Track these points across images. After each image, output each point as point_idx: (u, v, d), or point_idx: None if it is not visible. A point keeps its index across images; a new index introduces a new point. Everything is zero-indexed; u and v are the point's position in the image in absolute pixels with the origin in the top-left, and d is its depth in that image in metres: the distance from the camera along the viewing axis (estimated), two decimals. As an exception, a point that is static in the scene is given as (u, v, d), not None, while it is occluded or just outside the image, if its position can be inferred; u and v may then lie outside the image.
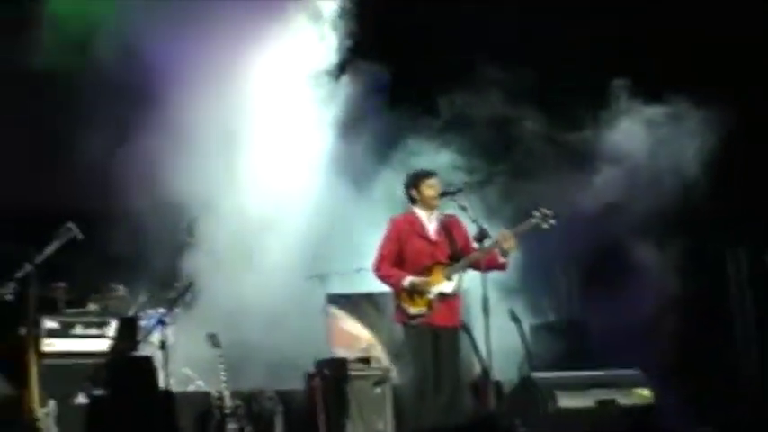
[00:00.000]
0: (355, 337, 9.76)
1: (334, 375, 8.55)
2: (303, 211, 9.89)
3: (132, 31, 9.43)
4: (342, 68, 10.27)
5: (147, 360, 7.09)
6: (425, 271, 7.29)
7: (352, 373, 8.62)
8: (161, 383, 7.79)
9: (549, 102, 9.96)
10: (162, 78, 9.47)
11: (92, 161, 9.21)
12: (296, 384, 8.73)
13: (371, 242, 7.61)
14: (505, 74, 9.78)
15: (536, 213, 7.21)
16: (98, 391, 5.75)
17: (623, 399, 7.85)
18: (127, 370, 5.49)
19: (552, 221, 7.20)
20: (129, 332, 8.19)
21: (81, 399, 7.36)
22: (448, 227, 7.47)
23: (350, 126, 10.16)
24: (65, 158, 9.53)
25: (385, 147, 10.10)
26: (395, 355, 9.14)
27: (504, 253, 7.22)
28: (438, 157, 9.64)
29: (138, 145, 9.35)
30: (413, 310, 7.26)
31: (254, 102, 10.03)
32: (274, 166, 10.05)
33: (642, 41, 9.71)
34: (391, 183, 9.06)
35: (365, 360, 8.93)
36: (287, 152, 10.13)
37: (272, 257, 9.61)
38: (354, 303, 9.87)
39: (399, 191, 7.65)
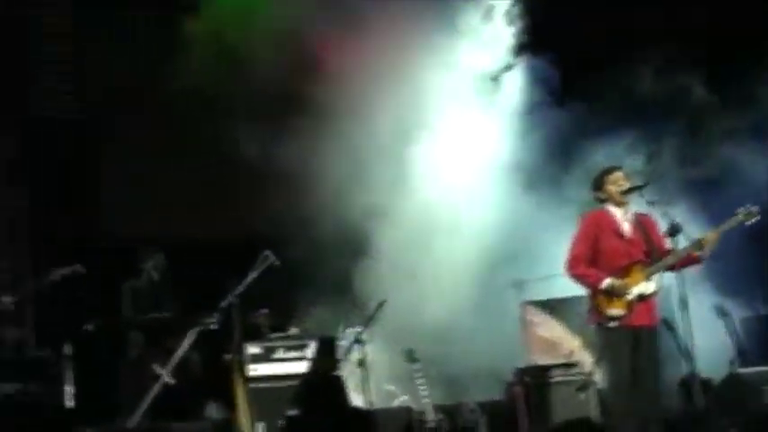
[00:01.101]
0: (554, 342, 9.58)
1: (535, 383, 8.44)
2: (484, 217, 9.78)
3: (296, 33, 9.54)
4: (512, 66, 10.16)
5: (336, 379, 7.21)
6: (622, 271, 7.06)
7: (554, 379, 8.49)
8: (359, 401, 7.92)
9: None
10: (334, 85, 9.56)
11: (278, 186, 9.45)
12: (497, 394, 8.67)
13: (556, 246, 7.44)
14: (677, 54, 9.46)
15: (740, 210, 6.89)
16: (293, 413, 5.89)
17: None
18: (315, 390, 5.59)
19: (757, 217, 6.87)
20: (327, 353, 8.35)
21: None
22: (643, 224, 7.22)
23: (524, 125, 10.01)
24: (251, 187, 9.83)
25: (561, 145, 9.90)
26: (597, 359, 8.92)
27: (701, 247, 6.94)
28: (614, 151, 9.36)
29: (318, 163, 9.49)
30: (611, 311, 7.03)
31: (428, 104, 10.00)
32: (451, 170, 9.99)
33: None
34: (570, 183, 8.89)
35: (566, 366, 8.76)
36: (463, 155, 10.04)
37: (457, 267, 9.56)
38: (551, 309, 9.69)
39: (579, 192, 7.47)
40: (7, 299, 7.52)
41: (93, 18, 10.55)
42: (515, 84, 10.17)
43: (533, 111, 10.01)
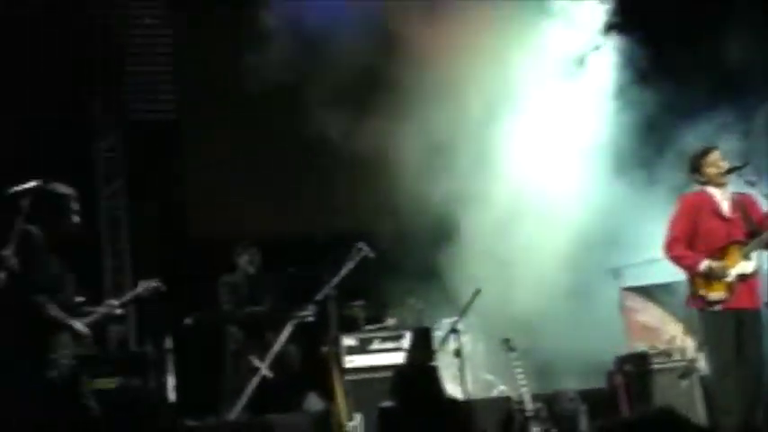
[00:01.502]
0: (655, 329, 9.39)
1: (635, 370, 8.29)
2: (575, 201, 9.63)
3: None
4: (601, 46, 9.96)
5: (429, 369, 7.15)
6: (719, 252, 6.90)
7: (655, 367, 8.31)
8: (456, 391, 7.87)
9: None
10: (421, 68, 9.47)
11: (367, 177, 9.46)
12: (597, 383, 8.54)
13: (650, 230, 7.30)
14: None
15: None
16: (387, 404, 5.89)
17: None
18: (410, 381, 5.58)
19: None
20: (423, 343, 8.33)
21: (384, 411, 7.55)
22: (743, 204, 7.05)
23: (613, 106, 9.81)
24: (342, 179, 9.86)
25: (651, 126, 9.67)
26: (700, 345, 8.72)
27: None
28: (706, 131, 9.09)
29: (406, 149, 9.45)
30: (712, 295, 6.90)
31: (516, 86, 9.85)
32: (540, 152, 9.85)
33: None
34: (662, 165, 8.69)
35: (668, 353, 8.58)
36: (552, 137, 9.88)
37: (549, 253, 9.42)
38: (651, 294, 9.51)
39: (671, 174, 7.31)
40: (113, 302, 7.70)
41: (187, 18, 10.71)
42: (604, 64, 9.96)
43: (623, 91, 9.79)
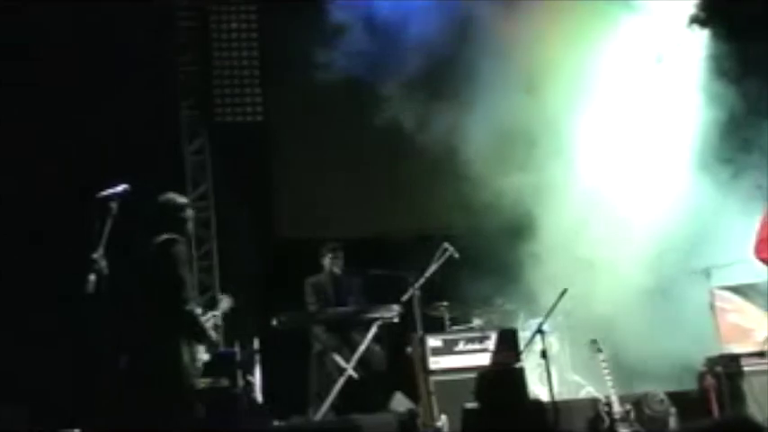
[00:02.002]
0: (748, 330, 9.15)
1: (727, 372, 8.10)
2: (659, 200, 9.42)
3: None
4: (684, 42, 9.74)
5: (513, 371, 7.11)
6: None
7: (748, 368, 8.10)
8: (542, 393, 7.80)
9: None
10: (503, 59, 9.39)
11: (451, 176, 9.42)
12: (687, 385, 8.37)
13: (738, 229, 7.12)
14: None
15: None
16: (471, 405, 5.86)
17: None
18: (494, 382, 5.54)
19: None
20: (509, 344, 8.27)
21: (469, 412, 7.51)
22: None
23: (696, 102, 9.58)
24: (426, 179, 9.84)
25: (735, 123, 9.41)
26: (794, 346, 8.48)
27: None
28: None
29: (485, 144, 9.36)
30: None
31: (595, 80, 9.72)
32: (621, 149, 9.69)
33: None
34: (747, 164, 8.48)
35: (761, 354, 8.36)
36: (633, 135, 9.70)
37: (636, 252, 9.24)
38: (744, 294, 9.26)
39: (757, 173, 7.11)
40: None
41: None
42: (688, 59, 9.74)
43: (706, 87, 9.55)
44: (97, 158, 9.11)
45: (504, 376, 6.13)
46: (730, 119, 9.36)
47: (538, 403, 6.79)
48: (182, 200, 6.30)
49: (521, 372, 7.19)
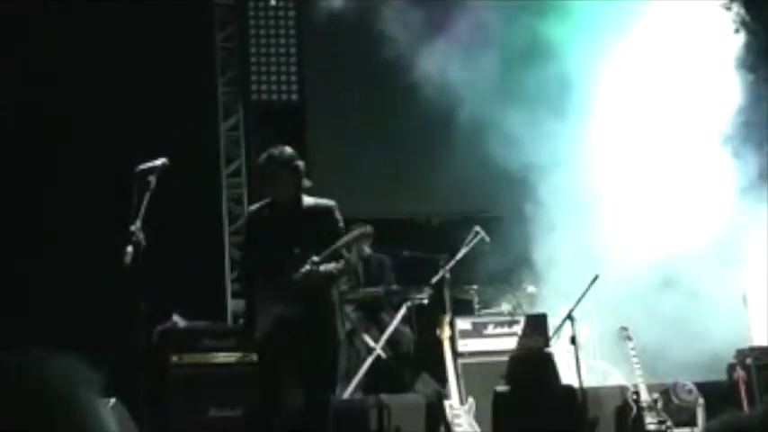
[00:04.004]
0: (779, 323, 9.11)
1: (757, 365, 8.07)
2: (695, 186, 9.38)
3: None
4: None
5: (546, 356, 7.11)
6: None
7: (778, 361, 8.08)
8: (573, 378, 7.79)
9: None
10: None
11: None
12: (717, 376, 8.34)
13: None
14: None
15: None
16: (502, 388, 5.86)
17: None
18: (526, 366, 5.54)
19: None
20: (537, 329, 8.26)
21: (497, 396, 7.54)
22: None
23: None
24: (462, 162, 9.84)
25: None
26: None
27: None
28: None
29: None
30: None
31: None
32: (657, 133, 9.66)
33: None
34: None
35: (793, 347, 8.33)
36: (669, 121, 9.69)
37: (670, 241, 9.20)
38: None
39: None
40: None
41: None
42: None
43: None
44: (136, 134, 9.17)
45: (537, 360, 6.13)
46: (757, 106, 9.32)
47: (570, 388, 6.80)
48: None
49: (553, 357, 7.19)
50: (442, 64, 9.47)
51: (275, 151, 6.15)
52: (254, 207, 6.33)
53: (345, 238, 6.01)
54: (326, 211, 6.02)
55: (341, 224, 6.12)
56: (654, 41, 9.72)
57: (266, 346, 6.13)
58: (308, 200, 6.20)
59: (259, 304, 6.04)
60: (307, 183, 6.27)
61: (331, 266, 5.92)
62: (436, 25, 9.64)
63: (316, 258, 5.77)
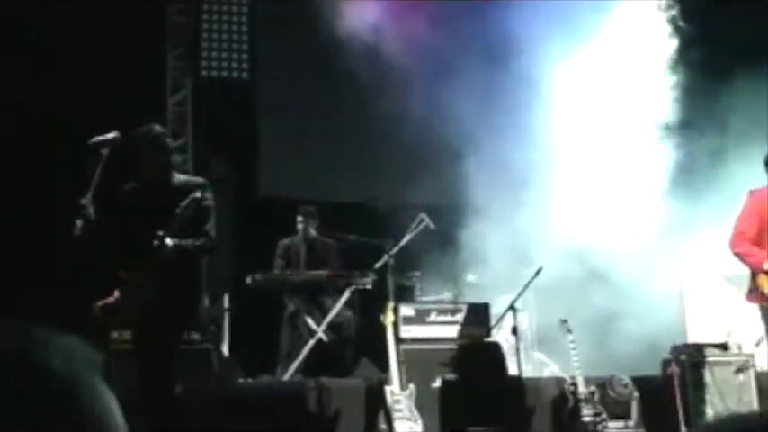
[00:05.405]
0: (713, 321, 9.31)
1: (691, 361, 8.23)
2: (650, 190, 9.56)
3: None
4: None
5: (496, 346, 7.17)
6: (786, 251, 6.82)
7: (711, 358, 8.23)
8: (513, 368, 7.88)
9: None
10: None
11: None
12: (651, 370, 8.50)
13: (716, 219, 7.22)
14: None
15: None
16: (450, 376, 5.89)
17: None
18: (476, 355, 5.59)
19: None
20: (480, 318, 8.34)
21: (437, 383, 7.59)
22: (813, 202, 6.94)
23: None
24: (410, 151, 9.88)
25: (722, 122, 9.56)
26: (759, 340, 8.63)
27: None
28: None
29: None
30: (770, 291, 6.83)
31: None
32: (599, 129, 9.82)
33: None
34: (745, 159, 8.56)
35: (725, 345, 8.51)
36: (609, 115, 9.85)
37: (619, 239, 9.36)
38: (713, 285, 9.42)
39: (754, 169, 7.18)
40: None
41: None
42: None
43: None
44: (86, 107, 9.01)
45: (485, 349, 6.19)
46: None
47: (517, 378, 6.87)
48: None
49: (499, 347, 7.25)
50: (392, 49, 9.49)
51: (143, 129, 5.98)
52: (124, 188, 6.07)
53: (187, 212, 5.72)
54: (195, 188, 5.79)
55: (207, 202, 5.83)
56: (602, 42, 9.88)
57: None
58: (179, 178, 6.06)
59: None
60: (177, 160, 6.09)
61: (188, 242, 5.72)
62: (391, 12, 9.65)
63: (161, 233, 5.56)
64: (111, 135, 5.84)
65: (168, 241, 5.56)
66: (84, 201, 5.55)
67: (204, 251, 5.99)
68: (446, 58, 9.51)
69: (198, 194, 5.66)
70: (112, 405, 1.34)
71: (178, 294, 5.72)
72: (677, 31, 10.17)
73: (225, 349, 9.04)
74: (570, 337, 8.14)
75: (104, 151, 5.71)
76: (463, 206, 9.46)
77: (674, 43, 10.17)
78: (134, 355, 5.97)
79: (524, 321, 9.09)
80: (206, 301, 9.15)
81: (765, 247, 6.86)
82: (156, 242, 5.53)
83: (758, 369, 8.22)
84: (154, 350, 5.77)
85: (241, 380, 8.46)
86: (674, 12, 10.21)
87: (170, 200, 5.70)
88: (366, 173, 10.66)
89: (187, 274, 5.85)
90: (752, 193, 7.05)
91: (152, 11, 10.41)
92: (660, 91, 10.02)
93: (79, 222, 5.49)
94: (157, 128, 6.10)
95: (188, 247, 5.71)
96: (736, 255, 6.98)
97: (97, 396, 1.32)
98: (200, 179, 6.07)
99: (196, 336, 7.93)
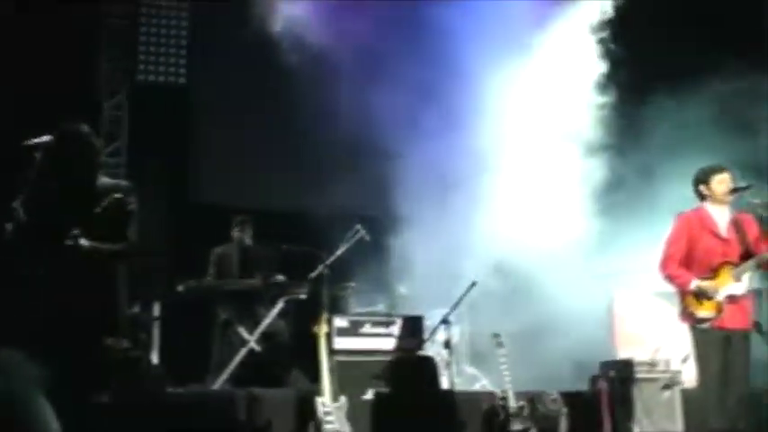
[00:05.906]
0: (642, 338, 9.46)
1: (619, 377, 8.35)
2: (579, 207, 9.70)
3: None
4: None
5: (429, 360, 7.19)
6: (712, 271, 6.96)
7: (639, 375, 8.35)
8: (445, 382, 7.91)
9: None
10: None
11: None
12: (580, 386, 8.60)
13: (648, 239, 7.35)
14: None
15: None
16: (382, 389, 5.88)
17: None
18: (409, 369, 5.59)
19: None
20: (413, 331, 8.36)
21: (369, 395, 7.59)
22: (740, 224, 7.08)
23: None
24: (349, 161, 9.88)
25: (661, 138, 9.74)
26: (685, 358, 8.78)
27: None
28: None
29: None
30: (700, 313, 6.93)
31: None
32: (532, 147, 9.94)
33: None
34: (672, 177, 8.74)
35: (652, 363, 8.64)
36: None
37: (549, 256, 9.46)
38: (642, 303, 9.57)
39: (680, 187, 7.33)
40: None
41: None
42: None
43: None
44: (20, 110, 8.87)
45: (418, 363, 6.19)
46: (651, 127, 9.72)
47: (449, 392, 6.89)
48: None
49: (433, 360, 7.26)
50: (326, 47, 9.52)
51: (68, 128, 5.84)
52: (47, 186, 5.90)
53: (106, 214, 5.58)
54: (119, 191, 5.68)
55: (131, 206, 5.69)
56: (536, 56, 10.01)
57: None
58: (105, 180, 5.95)
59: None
60: (109, 162, 5.99)
61: (105, 246, 5.55)
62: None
63: (76, 232, 5.42)
64: (45, 138, 5.75)
65: (83, 242, 5.45)
66: (15, 204, 5.46)
67: (121, 255, 5.82)
68: (381, 56, 9.54)
69: (119, 195, 5.56)
70: (50, 419, 1.33)
71: (91, 297, 5.58)
72: (607, 53, 10.37)
73: (154, 357, 8.93)
74: (502, 352, 8.20)
75: (38, 155, 5.62)
76: (393, 212, 9.48)
77: (603, 65, 10.36)
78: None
79: (457, 335, 9.13)
80: (136, 308, 9.03)
81: (694, 268, 6.99)
82: (69, 241, 5.42)
83: (684, 386, 8.33)
84: (62, 353, 5.58)
85: (170, 389, 8.36)
86: (604, 34, 10.42)
87: (92, 201, 5.60)
88: (297, 178, 10.63)
89: (102, 277, 5.71)
90: (680, 216, 7.19)
91: (89, 14, 10.28)
92: (589, 110, 10.19)
93: (9, 225, 5.40)
94: (84, 127, 5.95)
95: (104, 251, 5.60)
96: (666, 277, 7.11)
97: (33, 411, 1.30)
98: (125, 183, 5.93)
99: (125, 343, 7.82)
